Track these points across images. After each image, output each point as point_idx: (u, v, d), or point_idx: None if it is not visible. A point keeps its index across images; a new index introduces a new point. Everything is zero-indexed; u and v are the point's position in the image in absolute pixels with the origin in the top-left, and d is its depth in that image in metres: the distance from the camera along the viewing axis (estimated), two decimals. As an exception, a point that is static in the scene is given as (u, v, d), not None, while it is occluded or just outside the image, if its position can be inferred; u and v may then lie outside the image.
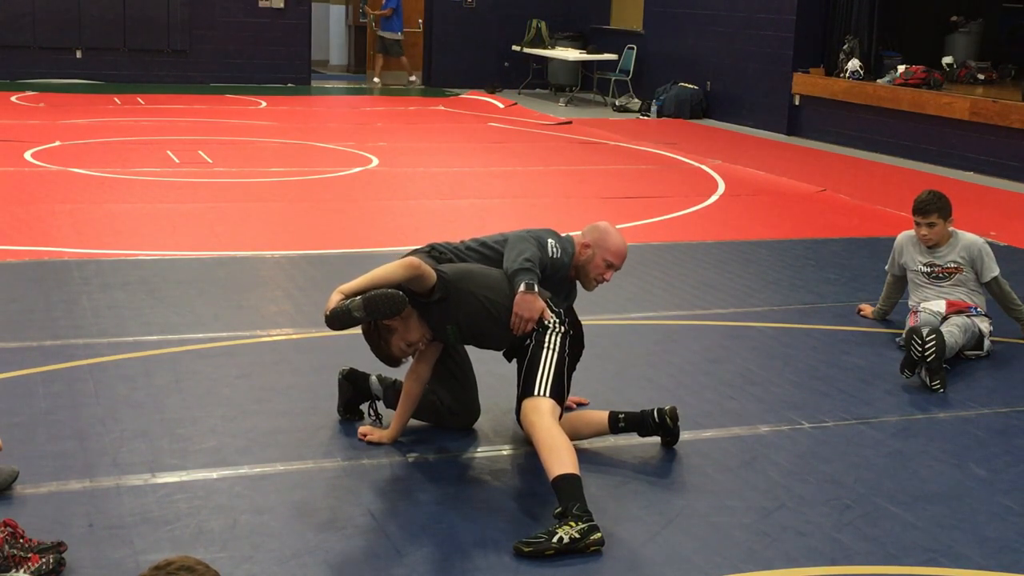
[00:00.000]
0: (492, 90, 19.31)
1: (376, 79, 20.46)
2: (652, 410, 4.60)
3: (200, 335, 5.89)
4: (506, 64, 20.22)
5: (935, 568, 3.77)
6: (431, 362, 4.55)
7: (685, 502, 4.20)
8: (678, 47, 17.59)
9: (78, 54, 18.30)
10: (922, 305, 6.17)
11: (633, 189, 10.85)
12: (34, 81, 17.72)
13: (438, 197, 10.15)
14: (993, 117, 12.51)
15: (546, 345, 4.31)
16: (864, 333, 6.41)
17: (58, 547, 3.51)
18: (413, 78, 20.63)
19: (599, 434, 4.63)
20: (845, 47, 14.80)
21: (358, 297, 4.22)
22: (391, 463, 4.44)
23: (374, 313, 4.20)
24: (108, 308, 6.29)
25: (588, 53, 19.07)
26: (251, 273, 7.28)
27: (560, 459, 3.95)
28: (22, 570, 3.40)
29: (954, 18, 16.34)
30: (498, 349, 4.54)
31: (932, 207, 6.16)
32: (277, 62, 19.34)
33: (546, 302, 4.39)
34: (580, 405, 4.97)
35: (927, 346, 5.43)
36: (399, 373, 4.69)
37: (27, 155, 11.27)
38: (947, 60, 14.92)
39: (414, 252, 4.56)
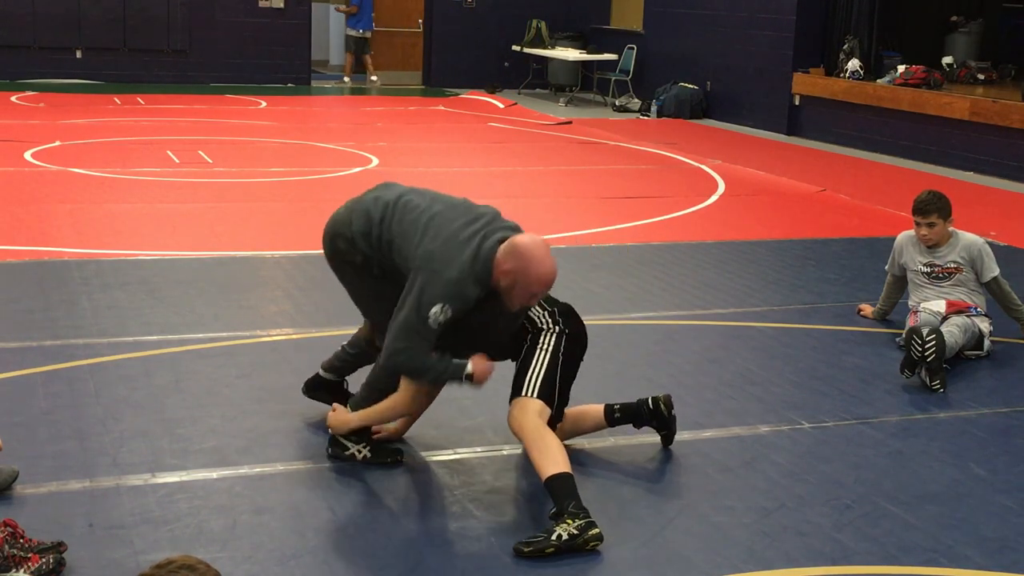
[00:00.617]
0: (492, 90, 19.31)
1: (346, 78, 20.46)
2: (646, 399, 4.60)
3: (200, 335, 5.89)
4: (506, 64, 20.21)
5: (935, 568, 3.78)
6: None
7: (685, 502, 4.20)
8: (678, 47, 17.59)
9: (78, 54, 18.29)
10: (922, 305, 6.17)
11: (633, 189, 10.85)
12: (34, 81, 17.72)
13: (438, 197, 10.13)
14: (993, 117, 12.51)
15: (539, 346, 4.28)
16: (864, 333, 6.41)
17: (58, 547, 3.51)
18: (375, 78, 20.52)
19: (599, 427, 4.63)
20: (845, 47, 14.80)
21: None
22: (391, 463, 4.43)
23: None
24: (108, 308, 6.29)
25: (588, 53, 19.06)
26: (251, 273, 7.28)
27: (551, 459, 3.94)
28: (22, 570, 3.40)
29: (954, 18, 16.36)
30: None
31: (932, 207, 6.16)
32: (277, 62, 19.33)
33: (539, 304, 4.33)
34: None
35: (927, 346, 5.43)
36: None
37: (27, 155, 11.27)
38: (947, 60, 14.93)
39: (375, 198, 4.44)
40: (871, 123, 14.16)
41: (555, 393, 4.27)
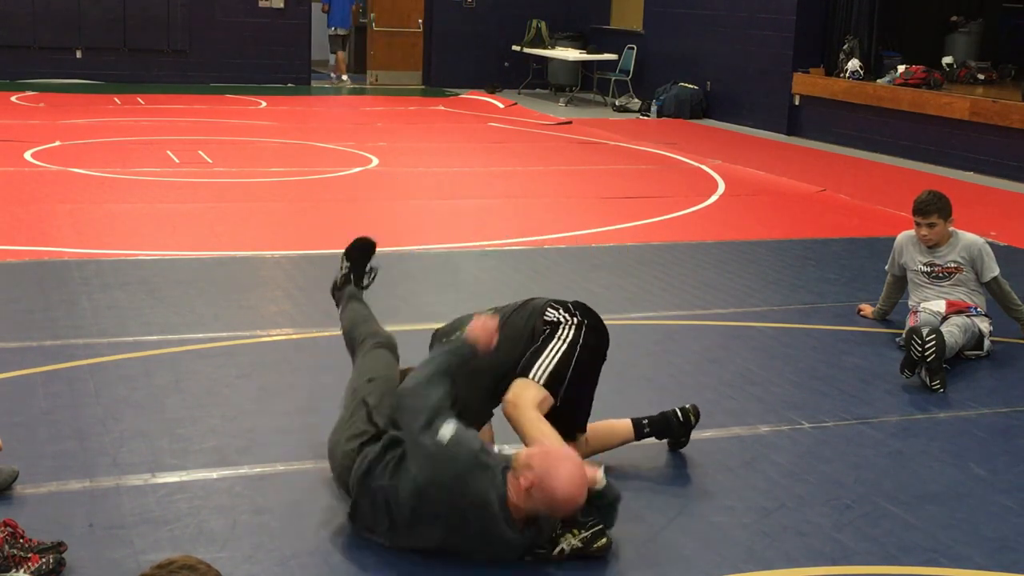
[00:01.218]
0: (492, 90, 19.31)
1: (333, 75, 20.49)
2: (674, 410, 4.52)
3: (200, 335, 5.89)
4: (506, 64, 20.21)
5: (935, 568, 3.78)
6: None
7: (685, 502, 4.20)
8: (678, 47, 17.59)
9: (78, 54, 18.29)
10: (922, 305, 6.16)
11: (633, 189, 10.85)
12: (34, 81, 17.72)
13: (438, 197, 10.15)
14: (993, 117, 12.51)
15: (558, 335, 4.10)
16: (864, 333, 6.41)
17: (58, 547, 3.51)
18: (345, 77, 20.49)
19: (625, 442, 4.48)
20: (845, 47, 14.80)
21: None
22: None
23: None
24: (108, 308, 6.29)
25: (588, 53, 19.06)
26: (251, 273, 7.28)
27: None
28: (22, 570, 3.40)
29: (954, 18, 16.36)
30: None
31: (932, 207, 6.16)
32: (277, 62, 19.33)
33: (553, 303, 4.24)
34: None
35: (927, 346, 5.43)
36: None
37: (27, 155, 11.27)
38: (947, 60, 14.93)
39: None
40: (871, 123, 14.16)
41: (563, 385, 4.06)
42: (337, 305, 4.67)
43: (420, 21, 20.96)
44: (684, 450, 4.64)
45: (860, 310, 6.74)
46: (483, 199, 10.18)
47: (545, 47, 19.49)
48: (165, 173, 10.61)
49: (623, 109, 17.86)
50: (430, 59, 20.61)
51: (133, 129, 13.51)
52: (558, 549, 3.65)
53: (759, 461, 4.59)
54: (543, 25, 19.69)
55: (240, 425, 4.74)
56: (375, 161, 11.86)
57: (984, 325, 6.06)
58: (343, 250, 4.74)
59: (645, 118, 17.10)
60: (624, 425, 4.45)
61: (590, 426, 4.33)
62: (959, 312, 6.05)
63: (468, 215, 9.43)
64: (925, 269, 6.24)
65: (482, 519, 3.52)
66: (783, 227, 9.43)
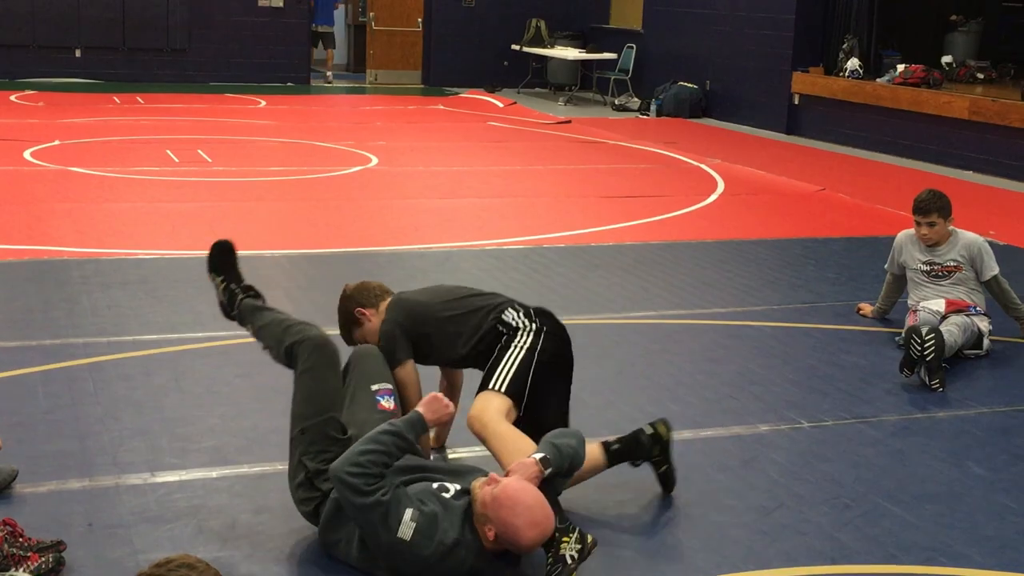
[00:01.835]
0: (492, 89, 19.32)
1: (329, 74, 20.51)
2: (641, 428, 4.11)
3: (200, 335, 5.89)
4: (506, 63, 20.21)
5: (935, 567, 3.78)
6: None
7: (685, 501, 4.20)
8: (678, 46, 17.59)
9: (77, 53, 18.29)
10: (921, 304, 6.16)
11: (633, 188, 10.85)
12: (34, 80, 17.71)
13: (438, 196, 10.15)
14: (993, 117, 12.51)
15: (515, 344, 4.08)
16: (864, 332, 6.41)
17: (57, 546, 3.51)
18: (329, 75, 20.51)
19: (598, 470, 4.06)
20: (845, 46, 14.80)
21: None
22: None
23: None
24: (108, 308, 6.29)
25: (587, 52, 19.06)
26: (251, 273, 7.20)
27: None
28: (22, 569, 3.40)
29: (954, 17, 16.34)
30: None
31: (932, 206, 6.16)
32: (276, 61, 19.33)
33: (514, 306, 4.21)
34: None
35: (926, 345, 5.43)
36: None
37: (26, 154, 11.27)
38: (946, 59, 14.91)
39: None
40: (871, 122, 14.16)
41: (525, 392, 4.01)
42: (244, 326, 4.27)
43: (420, 20, 20.96)
44: (684, 450, 4.56)
45: (859, 309, 6.74)
46: (482, 198, 10.18)
47: (544, 46, 19.49)
48: (164, 172, 10.60)
49: (622, 108, 17.86)
50: (430, 58, 20.61)
51: (132, 128, 13.51)
52: (570, 563, 3.48)
53: (759, 460, 4.59)
54: (542, 24, 19.69)
55: (239, 424, 4.74)
56: (374, 160, 11.85)
57: (983, 324, 6.06)
58: (206, 268, 4.44)
59: (644, 117, 17.10)
60: (593, 449, 3.99)
61: None
62: (958, 311, 6.05)
63: (467, 214, 9.43)
64: (924, 268, 6.24)
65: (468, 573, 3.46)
66: (783, 226, 9.43)
